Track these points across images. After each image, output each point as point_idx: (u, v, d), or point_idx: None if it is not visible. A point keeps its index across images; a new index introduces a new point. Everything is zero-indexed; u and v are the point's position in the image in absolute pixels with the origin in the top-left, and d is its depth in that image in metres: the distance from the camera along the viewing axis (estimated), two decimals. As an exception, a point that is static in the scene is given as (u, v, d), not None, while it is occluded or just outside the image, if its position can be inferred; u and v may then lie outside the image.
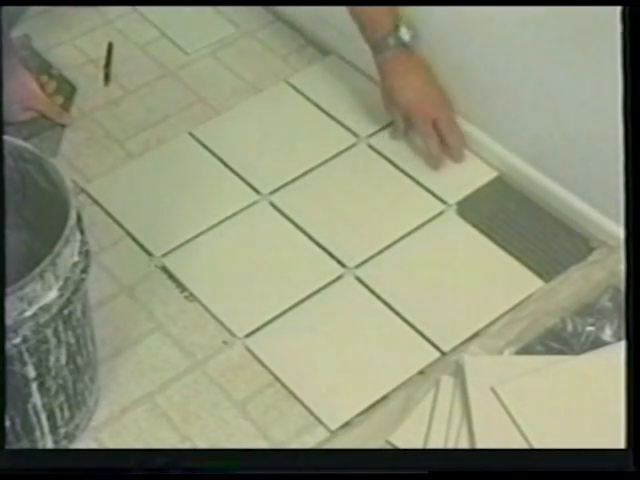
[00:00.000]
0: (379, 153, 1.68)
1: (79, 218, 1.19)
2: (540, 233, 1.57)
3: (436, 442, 1.31)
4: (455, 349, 1.43)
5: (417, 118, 1.62)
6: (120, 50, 1.86)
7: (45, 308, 1.14)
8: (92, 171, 1.65)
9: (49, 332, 1.17)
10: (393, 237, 1.56)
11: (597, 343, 1.41)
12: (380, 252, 1.55)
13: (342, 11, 1.63)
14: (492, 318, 1.46)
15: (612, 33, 1.15)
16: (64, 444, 1.30)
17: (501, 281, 1.51)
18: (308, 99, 1.76)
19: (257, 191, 1.63)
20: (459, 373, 1.37)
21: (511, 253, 1.54)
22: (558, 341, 1.42)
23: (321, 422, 1.36)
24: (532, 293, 1.49)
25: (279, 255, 1.55)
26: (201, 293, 1.50)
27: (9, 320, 1.10)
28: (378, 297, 1.49)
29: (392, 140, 1.68)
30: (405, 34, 1.60)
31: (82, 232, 1.21)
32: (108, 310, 1.47)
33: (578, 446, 1.24)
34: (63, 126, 1.71)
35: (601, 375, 1.34)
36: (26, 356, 1.16)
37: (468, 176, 1.65)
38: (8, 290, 1.08)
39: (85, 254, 1.20)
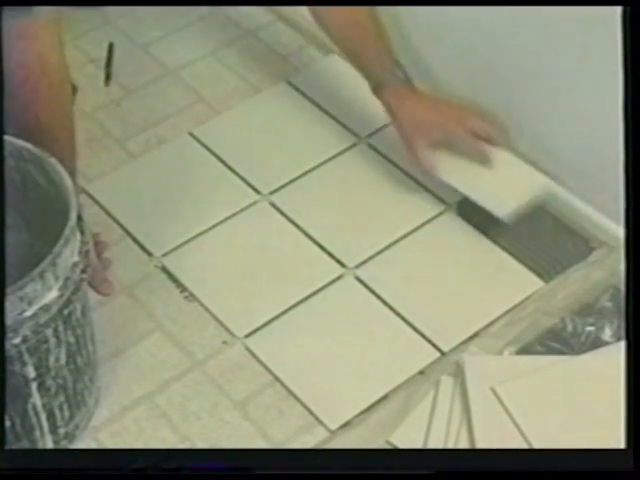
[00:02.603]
0: (379, 153, 1.68)
1: (79, 218, 1.19)
2: (540, 233, 1.57)
3: (436, 442, 1.31)
4: (455, 349, 1.43)
5: (457, 133, 1.53)
6: (121, 50, 1.86)
7: (45, 308, 1.14)
8: (92, 171, 1.65)
9: (49, 332, 1.17)
10: (393, 237, 1.56)
11: (597, 343, 1.41)
12: (380, 252, 1.55)
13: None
14: (492, 318, 1.46)
15: (612, 33, 1.15)
16: (64, 444, 1.30)
17: (501, 281, 1.51)
18: (308, 99, 1.76)
19: (257, 191, 1.63)
20: (459, 373, 1.37)
21: (511, 253, 1.54)
22: (558, 341, 1.42)
23: (321, 422, 1.36)
24: (532, 293, 1.49)
25: (279, 255, 1.54)
26: (201, 293, 1.50)
27: (9, 320, 1.10)
28: (378, 297, 1.49)
29: (392, 140, 1.68)
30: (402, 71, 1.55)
31: (82, 232, 1.21)
32: (108, 310, 1.47)
33: (578, 446, 1.24)
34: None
35: (601, 375, 1.34)
36: (26, 356, 1.16)
37: (468, 176, 1.65)
38: (8, 290, 1.08)
39: (85, 254, 1.20)
